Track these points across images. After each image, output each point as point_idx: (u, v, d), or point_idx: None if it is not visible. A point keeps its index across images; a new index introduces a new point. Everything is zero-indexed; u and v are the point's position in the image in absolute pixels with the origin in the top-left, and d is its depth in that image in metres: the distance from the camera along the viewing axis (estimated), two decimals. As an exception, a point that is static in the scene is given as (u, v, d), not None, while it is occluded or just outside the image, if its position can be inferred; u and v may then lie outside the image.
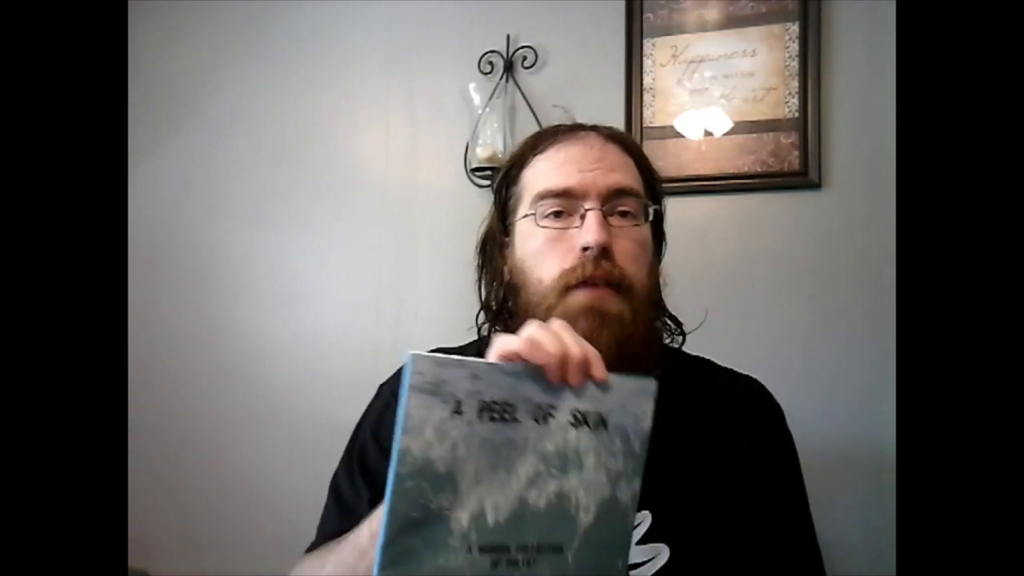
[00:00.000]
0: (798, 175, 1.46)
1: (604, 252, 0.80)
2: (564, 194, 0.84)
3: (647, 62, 1.56)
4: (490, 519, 0.56)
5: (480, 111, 1.62)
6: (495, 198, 0.94)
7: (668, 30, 1.55)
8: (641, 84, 1.56)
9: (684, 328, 0.95)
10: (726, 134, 1.50)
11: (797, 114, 1.46)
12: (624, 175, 0.85)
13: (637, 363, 0.72)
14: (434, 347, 0.85)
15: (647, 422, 0.61)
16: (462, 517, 0.56)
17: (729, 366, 0.94)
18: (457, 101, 1.68)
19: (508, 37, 1.64)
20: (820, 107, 1.45)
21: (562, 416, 0.59)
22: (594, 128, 0.90)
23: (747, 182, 1.49)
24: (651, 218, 0.87)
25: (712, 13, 1.53)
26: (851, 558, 1.36)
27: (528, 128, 1.55)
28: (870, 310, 1.41)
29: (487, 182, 1.62)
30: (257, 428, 1.76)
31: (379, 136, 1.75)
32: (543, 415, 0.58)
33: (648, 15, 1.56)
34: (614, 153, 0.87)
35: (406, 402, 0.54)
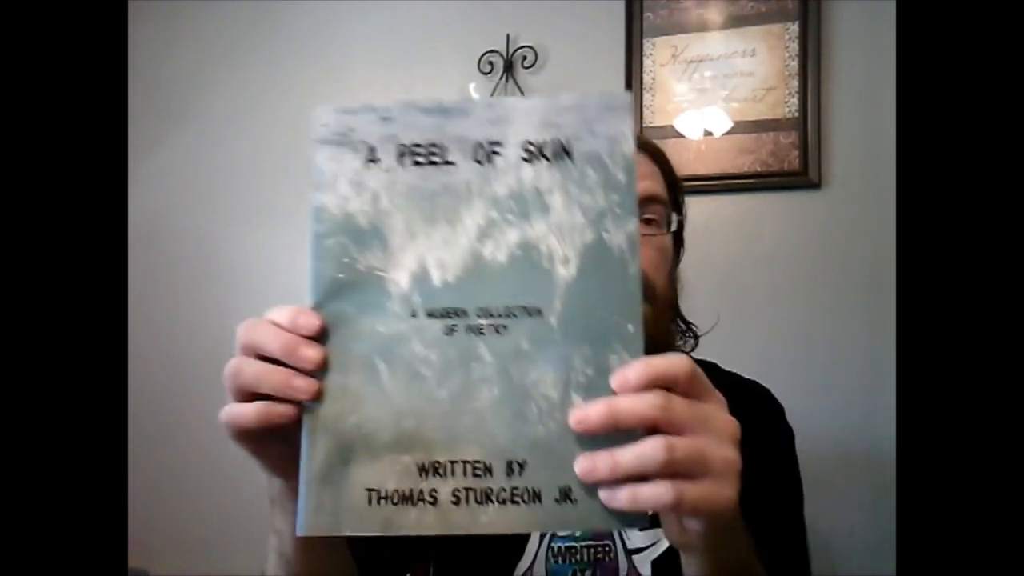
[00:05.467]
0: (798, 175, 1.46)
1: None
2: None
3: (647, 62, 1.56)
4: (435, 278, 0.49)
5: (480, 111, 1.62)
6: None
7: (668, 30, 1.55)
8: (641, 84, 1.56)
9: (696, 330, 0.96)
10: (726, 134, 1.50)
11: (797, 114, 1.46)
12: (652, 183, 0.87)
13: None
14: None
15: (627, 144, 0.49)
16: (399, 278, 0.49)
17: (729, 367, 0.94)
18: (457, 101, 1.68)
19: (508, 37, 1.64)
20: (820, 107, 1.45)
21: (511, 152, 0.49)
22: None
23: (747, 182, 1.49)
24: (673, 228, 0.89)
25: (712, 13, 1.53)
26: (851, 558, 1.36)
27: (528, 128, 1.55)
28: (870, 310, 1.41)
29: (487, 182, 1.62)
30: (257, 428, 1.76)
31: (379, 136, 1.75)
32: (485, 154, 0.49)
33: (648, 15, 1.56)
34: (643, 162, 0.88)
35: (315, 157, 0.50)
